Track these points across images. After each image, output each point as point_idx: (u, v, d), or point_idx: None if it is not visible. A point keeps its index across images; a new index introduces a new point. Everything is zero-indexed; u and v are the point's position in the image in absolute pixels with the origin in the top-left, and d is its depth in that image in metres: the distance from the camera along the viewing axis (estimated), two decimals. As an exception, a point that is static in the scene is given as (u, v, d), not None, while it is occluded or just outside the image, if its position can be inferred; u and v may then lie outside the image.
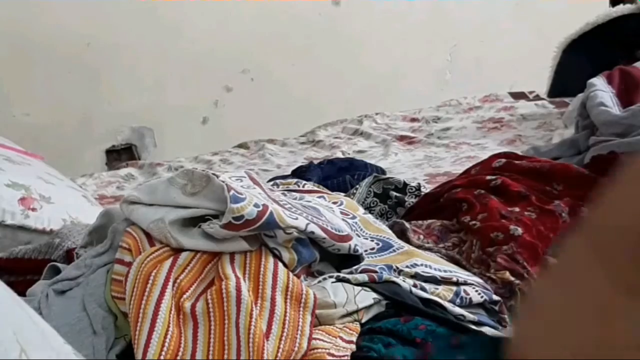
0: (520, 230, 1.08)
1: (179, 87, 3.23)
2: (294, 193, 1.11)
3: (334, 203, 1.10)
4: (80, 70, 3.09)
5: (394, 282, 0.90)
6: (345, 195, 1.23)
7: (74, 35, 3.05)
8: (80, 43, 3.07)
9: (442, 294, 0.93)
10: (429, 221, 1.20)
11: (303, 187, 1.20)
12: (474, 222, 1.13)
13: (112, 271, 0.89)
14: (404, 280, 0.92)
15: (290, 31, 3.32)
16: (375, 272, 0.92)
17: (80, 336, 0.83)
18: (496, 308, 0.96)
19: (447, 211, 1.23)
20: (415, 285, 0.92)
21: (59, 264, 1.00)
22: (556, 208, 1.17)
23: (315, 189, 1.22)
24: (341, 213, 1.07)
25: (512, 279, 1.00)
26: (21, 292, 0.73)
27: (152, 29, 3.15)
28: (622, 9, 2.48)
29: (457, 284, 0.96)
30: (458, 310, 0.91)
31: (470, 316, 0.91)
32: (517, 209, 1.16)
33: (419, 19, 3.48)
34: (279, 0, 3.25)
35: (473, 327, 0.90)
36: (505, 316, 0.96)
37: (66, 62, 3.06)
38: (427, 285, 0.94)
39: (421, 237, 1.13)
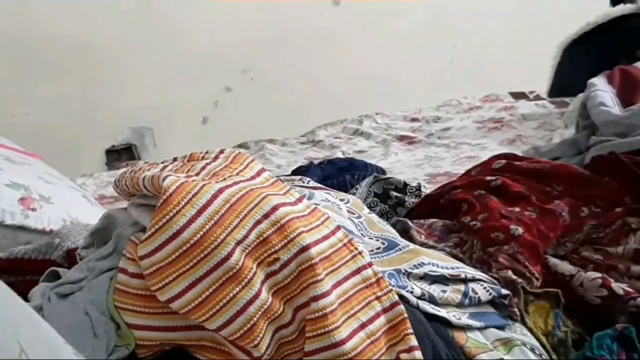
0: (520, 230, 1.08)
1: (179, 87, 3.23)
2: (304, 189, 1.10)
3: (341, 200, 1.10)
4: (80, 70, 3.09)
5: (402, 297, 0.90)
6: (345, 195, 1.23)
7: (74, 35, 3.05)
8: (80, 43, 3.07)
9: (450, 298, 0.93)
10: (431, 221, 1.20)
11: (308, 183, 1.20)
12: (474, 222, 1.13)
13: (116, 280, 0.88)
14: (412, 291, 0.92)
15: (290, 31, 3.32)
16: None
17: (80, 338, 0.82)
18: (506, 302, 0.96)
19: (447, 212, 1.23)
20: (423, 295, 0.92)
21: (59, 269, 1.00)
22: (556, 207, 1.17)
23: (321, 185, 1.22)
24: (347, 212, 1.06)
25: (515, 277, 1.00)
26: (21, 293, 0.73)
27: (152, 29, 3.15)
28: (622, 9, 2.48)
29: (465, 281, 0.96)
30: (464, 321, 0.92)
31: (476, 324, 0.92)
32: (517, 209, 1.16)
33: (419, 19, 3.48)
34: (279, 1, 3.25)
35: (479, 333, 0.91)
36: (516, 310, 0.96)
37: (66, 62, 3.06)
38: (436, 288, 0.94)
39: (423, 236, 1.14)
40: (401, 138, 2.32)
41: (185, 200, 0.82)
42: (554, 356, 0.95)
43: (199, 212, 0.82)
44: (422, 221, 1.20)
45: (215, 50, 3.22)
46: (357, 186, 1.39)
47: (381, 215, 1.29)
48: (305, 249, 0.83)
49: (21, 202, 1.37)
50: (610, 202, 1.19)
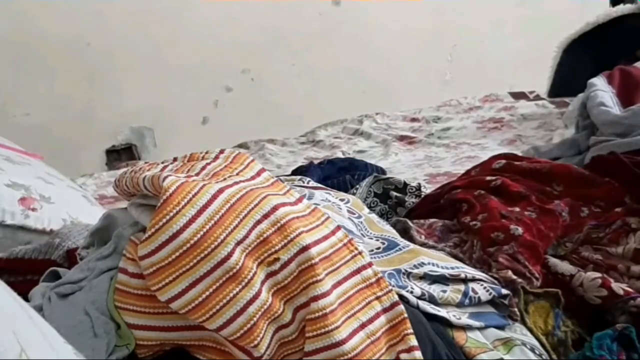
0: (520, 230, 1.08)
1: (179, 87, 3.23)
2: (304, 189, 1.10)
3: (341, 200, 1.10)
4: (80, 70, 3.09)
5: (402, 297, 0.90)
6: (345, 195, 1.23)
7: (74, 35, 3.05)
8: (80, 43, 3.07)
9: (450, 298, 0.93)
10: (431, 220, 1.20)
11: (308, 183, 1.20)
12: (474, 222, 1.13)
13: (116, 280, 0.88)
14: (412, 291, 0.92)
15: (290, 31, 3.31)
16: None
17: (80, 338, 0.83)
18: (506, 302, 0.96)
19: (447, 212, 1.23)
20: (423, 295, 0.92)
21: (59, 269, 1.00)
22: (556, 207, 1.17)
23: (321, 185, 1.22)
24: (348, 212, 1.06)
25: (515, 277, 1.00)
26: (21, 293, 0.73)
27: (152, 28, 3.15)
28: (622, 9, 2.47)
29: (465, 281, 0.96)
30: (464, 321, 0.92)
31: (476, 324, 0.92)
32: (517, 209, 1.16)
33: (419, 19, 3.48)
34: (279, 1, 3.25)
35: (479, 333, 0.91)
36: (516, 310, 0.96)
37: (66, 62, 3.06)
38: (436, 287, 0.94)
39: (423, 236, 1.13)
40: (401, 138, 2.32)
41: (186, 200, 0.82)
42: (554, 356, 0.95)
43: (199, 212, 0.82)
44: (422, 221, 1.20)
45: (215, 50, 3.21)
46: (357, 186, 1.39)
47: (381, 215, 1.29)
48: (305, 249, 0.83)
49: (21, 202, 1.37)
50: (610, 202, 1.19)
